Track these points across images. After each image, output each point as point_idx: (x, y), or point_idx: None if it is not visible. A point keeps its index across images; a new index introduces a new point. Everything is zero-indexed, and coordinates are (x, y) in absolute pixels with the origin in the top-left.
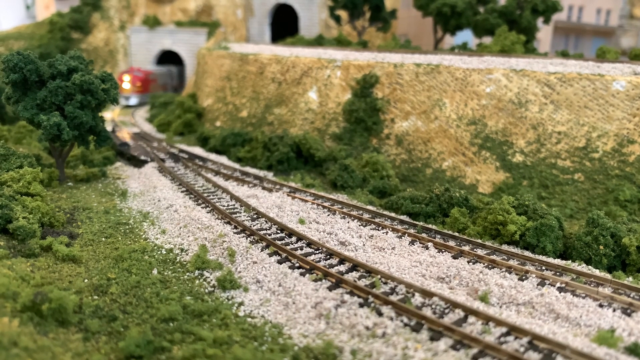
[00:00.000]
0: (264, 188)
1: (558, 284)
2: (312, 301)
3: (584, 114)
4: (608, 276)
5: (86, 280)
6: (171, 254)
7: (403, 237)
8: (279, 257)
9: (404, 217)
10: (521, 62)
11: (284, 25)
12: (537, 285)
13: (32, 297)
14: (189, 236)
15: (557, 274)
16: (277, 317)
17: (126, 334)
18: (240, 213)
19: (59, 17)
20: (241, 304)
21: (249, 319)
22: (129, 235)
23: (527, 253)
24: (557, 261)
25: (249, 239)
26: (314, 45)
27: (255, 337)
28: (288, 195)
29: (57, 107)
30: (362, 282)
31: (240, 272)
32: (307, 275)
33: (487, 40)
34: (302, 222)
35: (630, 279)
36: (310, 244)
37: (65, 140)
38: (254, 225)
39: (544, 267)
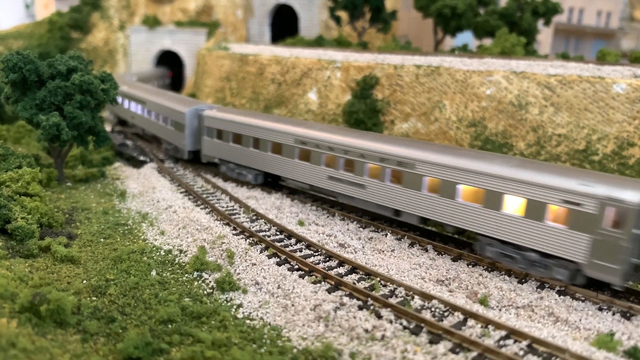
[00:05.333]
0: (263, 189)
1: (557, 287)
2: (311, 303)
3: (584, 117)
4: None
5: (85, 281)
6: (170, 255)
7: (403, 240)
8: (278, 259)
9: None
10: (521, 64)
11: (284, 25)
12: (537, 288)
13: (30, 298)
14: (187, 237)
15: None
16: (276, 319)
17: (125, 335)
18: (240, 214)
19: (59, 16)
20: (240, 305)
21: (247, 321)
22: (128, 236)
23: None
24: None
25: (248, 240)
26: (314, 46)
27: (254, 339)
28: (287, 196)
29: (56, 107)
30: (362, 285)
31: (239, 273)
32: (307, 277)
33: (487, 42)
34: (301, 223)
35: (630, 282)
36: (309, 245)
37: (65, 140)
38: (253, 227)
39: None
